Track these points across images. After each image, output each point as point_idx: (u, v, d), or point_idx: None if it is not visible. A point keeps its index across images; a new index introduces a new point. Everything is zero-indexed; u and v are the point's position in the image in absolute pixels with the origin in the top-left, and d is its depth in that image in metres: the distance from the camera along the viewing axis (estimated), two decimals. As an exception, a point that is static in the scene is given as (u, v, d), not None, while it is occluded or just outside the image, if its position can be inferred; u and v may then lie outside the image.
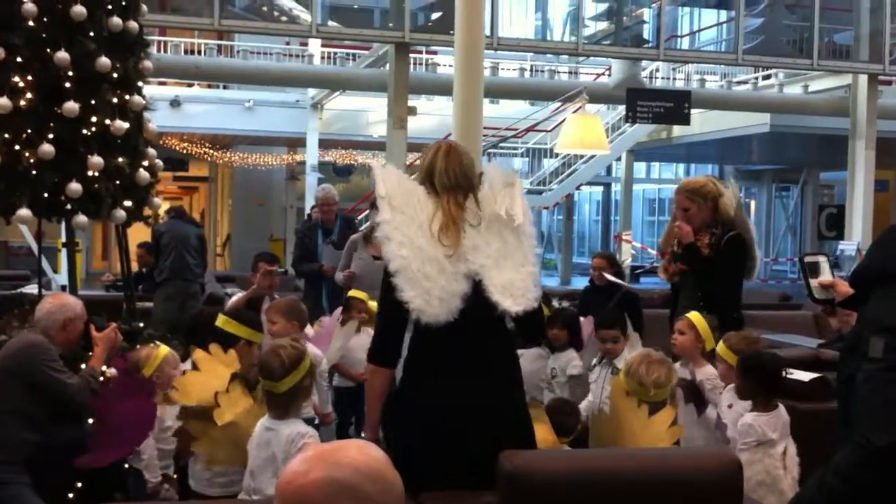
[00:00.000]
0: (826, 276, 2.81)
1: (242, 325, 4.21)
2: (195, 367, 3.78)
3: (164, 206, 8.07)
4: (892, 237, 2.18)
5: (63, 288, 7.16)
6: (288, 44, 18.85)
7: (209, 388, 3.62)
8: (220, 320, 4.24)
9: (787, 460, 3.84)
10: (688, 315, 4.53)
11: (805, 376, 4.69)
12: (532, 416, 3.47)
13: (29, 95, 5.11)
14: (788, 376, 4.43)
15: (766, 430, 3.80)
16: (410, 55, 14.31)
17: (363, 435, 3.51)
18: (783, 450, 3.85)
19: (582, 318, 5.61)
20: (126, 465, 4.25)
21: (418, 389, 3.21)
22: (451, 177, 3.19)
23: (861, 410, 1.99)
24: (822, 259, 2.89)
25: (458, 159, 3.23)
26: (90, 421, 4.22)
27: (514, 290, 3.13)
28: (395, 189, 3.20)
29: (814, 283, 2.81)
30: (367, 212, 7.21)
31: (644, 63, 17.56)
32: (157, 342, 4.67)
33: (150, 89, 6.05)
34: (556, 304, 6.62)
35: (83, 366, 4.28)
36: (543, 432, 3.55)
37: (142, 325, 5.69)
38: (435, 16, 14.68)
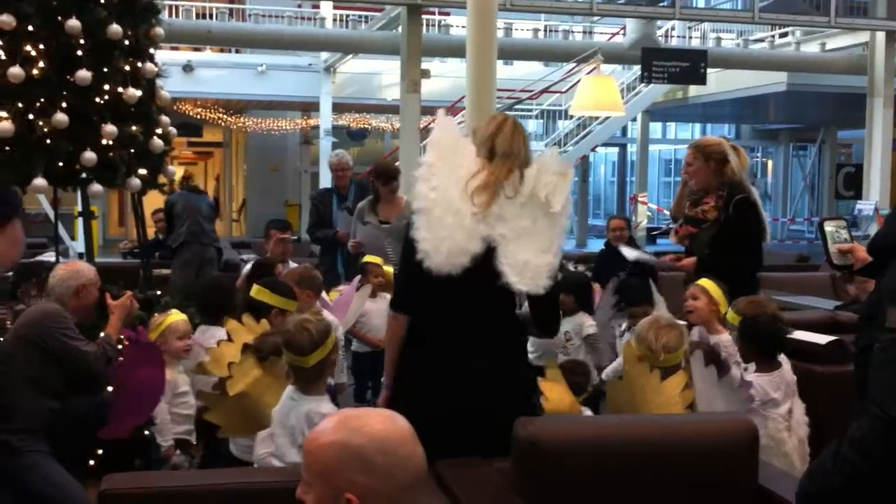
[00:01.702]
0: (845, 241, 2.79)
1: (275, 294, 4.26)
2: (229, 337, 3.79)
3: (179, 172, 8.09)
4: None
5: (80, 256, 7.18)
6: (300, 6, 18.74)
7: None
8: (254, 290, 4.30)
9: (792, 421, 3.81)
10: (699, 281, 4.49)
11: (822, 339, 4.66)
12: (550, 377, 3.53)
13: (41, 64, 5.09)
14: (805, 339, 4.42)
15: (768, 389, 3.77)
16: (423, 17, 14.20)
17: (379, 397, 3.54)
18: (788, 410, 3.82)
19: (595, 286, 5.62)
20: (146, 432, 4.29)
21: (418, 353, 3.24)
22: (513, 146, 3.21)
23: (877, 381, 1.98)
24: (841, 224, 2.87)
25: (522, 133, 3.28)
26: (109, 389, 4.25)
27: (525, 271, 3.11)
28: (449, 139, 3.24)
29: (832, 248, 2.79)
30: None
31: (659, 22, 17.38)
32: (174, 310, 4.69)
33: (162, 54, 6.02)
34: (571, 267, 6.64)
35: (101, 334, 4.29)
36: (562, 393, 3.57)
37: (159, 293, 5.71)
38: (447, -23, 14.56)
